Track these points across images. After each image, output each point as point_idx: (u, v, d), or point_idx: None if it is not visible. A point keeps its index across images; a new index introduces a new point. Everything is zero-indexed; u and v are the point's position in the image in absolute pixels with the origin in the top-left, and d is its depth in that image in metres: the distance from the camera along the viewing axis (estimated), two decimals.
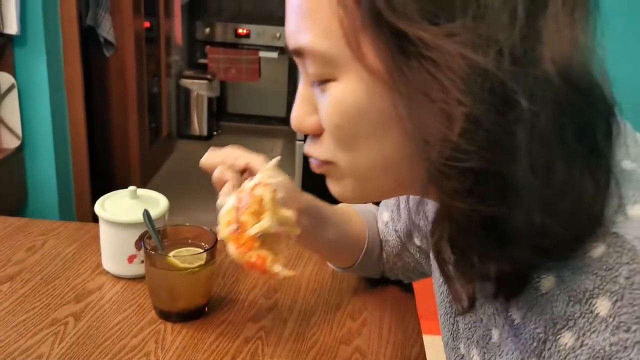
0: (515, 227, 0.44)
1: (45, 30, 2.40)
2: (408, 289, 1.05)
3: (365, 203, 0.92)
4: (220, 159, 0.80)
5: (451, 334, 0.69)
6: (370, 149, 0.51)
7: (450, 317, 0.69)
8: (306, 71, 0.52)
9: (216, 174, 0.77)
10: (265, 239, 0.66)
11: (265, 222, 0.63)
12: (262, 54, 4.48)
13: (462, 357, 0.66)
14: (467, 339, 0.63)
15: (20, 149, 2.50)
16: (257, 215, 0.62)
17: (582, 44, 0.44)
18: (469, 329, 0.63)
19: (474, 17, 0.43)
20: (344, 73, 0.49)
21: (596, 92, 0.44)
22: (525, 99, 0.42)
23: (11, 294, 0.97)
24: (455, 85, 0.43)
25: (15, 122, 2.46)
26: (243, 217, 0.62)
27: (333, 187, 0.57)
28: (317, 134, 0.55)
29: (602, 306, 0.43)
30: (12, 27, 2.31)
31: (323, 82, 0.50)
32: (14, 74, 2.42)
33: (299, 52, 0.51)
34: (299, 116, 0.55)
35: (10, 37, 2.36)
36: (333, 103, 0.50)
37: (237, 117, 4.67)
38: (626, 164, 0.49)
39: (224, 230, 0.66)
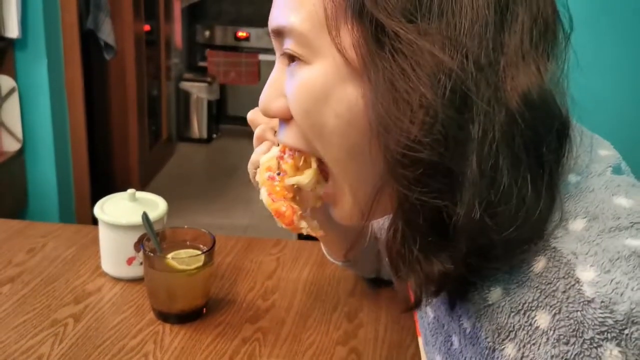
0: (456, 223, 0.47)
1: (46, 33, 2.42)
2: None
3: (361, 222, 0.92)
4: (265, 119, 0.80)
5: (424, 339, 0.70)
6: (337, 139, 0.53)
7: (421, 322, 0.71)
8: (282, 51, 0.55)
9: (258, 132, 0.77)
10: (295, 197, 0.67)
11: (305, 178, 0.63)
12: (262, 57, 4.51)
13: None
14: (432, 346, 0.65)
15: (20, 152, 2.52)
16: (298, 169, 0.63)
17: (543, 67, 0.47)
18: (433, 335, 0.65)
19: (447, 23, 0.46)
20: (319, 57, 0.51)
21: (550, 110, 0.47)
22: (482, 102, 0.45)
23: (12, 295, 0.98)
24: (420, 79, 0.46)
25: (16, 125, 2.47)
26: (285, 165, 0.63)
27: (334, 211, 0.60)
28: (285, 120, 0.57)
29: (542, 319, 0.44)
30: (13, 31, 2.32)
31: (295, 61, 0.53)
32: (14, 77, 2.43)
33: (280, 32, 0.54)
34: (267, 99, 0.57)
35: (11, 41, 2.38)
36: (303, 85, 0.52)
37: (237, 119, 4.68)
38: (571, 177, 0.51)
39: (262, 174, 0.66)
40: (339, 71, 0.51)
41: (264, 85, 0.59)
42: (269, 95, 0.57)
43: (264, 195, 0.66)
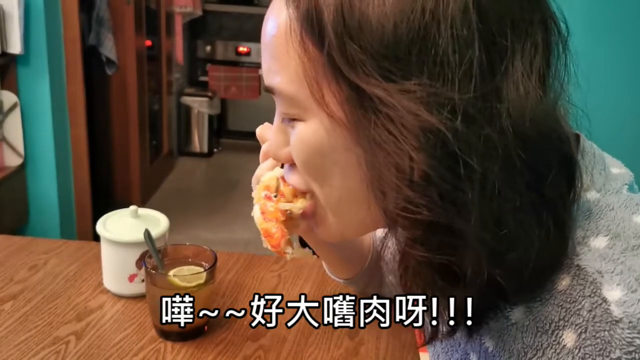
0: (464, 276, 0.46)
1: (48, 49, 2.43)
2: None
3: (349, 239, 0.93)
4: None
5: (433, 356, 0.70)
6: (337, 184, 0.53)
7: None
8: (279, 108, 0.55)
9: (265, 148, 0.78)
10: (286, 222, 0.67)
11: (298, 206, 0.64)
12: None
13: None
14: None
15: (22, 167, 2.52)
16: (295, 196, 0.64)
17: (541, 96, 0.45)
18: (446, 352, 0.64)
19: (429, 76, 0.44)
20: (310, 116, 0.51)
21: (551, 141, 0.46)
22: (475, 158, 0.43)
23: (13, 312, 0.98)
24: (407, 141, 0.44)
25: (17, 140, 2.48)
26: (284, 189, 0.64)
27: (318, 230, 0.60)
28: (293, 164, 0.57)
29: (568, 338, 0.45)
30: (15, 47, 2.34)
31: (292, 120, 0.53)
32: (17, 93, 2.45)
33: (272, 90, 0.53)
34: (275, 147, 0.58)
35: (13, 57, 2.39)
36: (299, 141, 0.53)
37: (238, 134, 4.70)
38: (591, 195, 0.51)
39: (259, 192, 0.67)
40: (330, 130, 0.50)
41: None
42: (276, 144, 0.58)
43: (256, 212, 0.67)
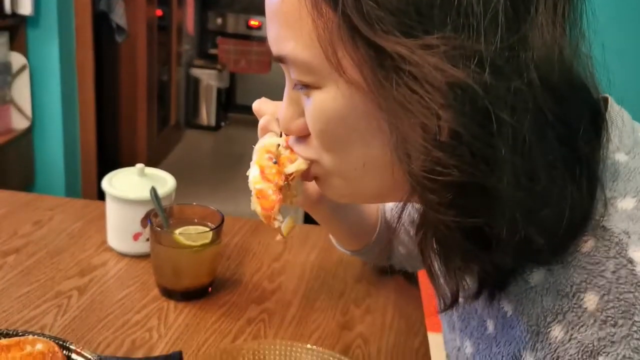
0: (498, 237, 0.44)
1: (58, 12, 2.40)
2: (412, 279, 1.05)
3: (356, 203, 0.91)
4: (270, 110, 0.79)
5: (448, 324, 0.68)
6: (354, 152, 0.51)
7: None
8: (290, 76, 0.52)
9: (262, 123, 0.76)
10: (282, 189, 0.65)
11: (298, 165, 0.63)
12: None
13: (458, 349, 0.65)
14: (461, 331, 0.63)
15: (29, 130, 2.51)
16: (291, 162, 0.62)
17: (566, 45, 0.43)
18: (463, 320, 0.63)
19: (453, 28, 0.41)
20: (326, 82, 0.48)
21: (580, 93, 0.44)
22: (506, 112, 0.41)
23: (16, 265, 0.97)
24: (434, 99, 0.42)
25: (25, 103, 2.46)
26: (283, 157, 0.62)
27: (323, 188, 0.58)
28: (304, 135, 0.55)
29: (590, 300, 0.43)
30: (25, 8, 2.31)
31: (307, 87, 0.50)
32: (26, 55, 2.42)
33: (282, 59, 0.50)
34: (287, 119, 0.55)
35: (23, 18, 2.37)
36: (316, 110, 0.50)
37: (246, 109, 4.65)
38: (619, 156, 0.49)
39: (262, 154, 0.65)
40: (348, 95, 0.48)
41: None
42: (287, 115, 0.55)
43: (254, 172, 0.65)
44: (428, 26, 0.42)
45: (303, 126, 0.54)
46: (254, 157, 0.66)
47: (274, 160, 0.63)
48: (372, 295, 0.99)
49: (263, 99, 0.75)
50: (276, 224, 0.65)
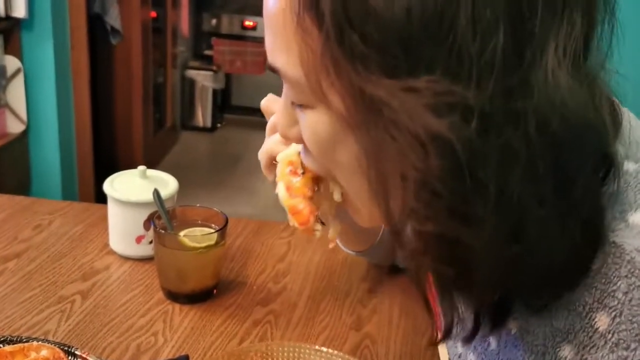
0: (477, 285, 0.43)
1: (52, 14, 2.39)
2: None
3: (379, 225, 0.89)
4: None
5: (451, 342, 0.67)
6: (353, 174, 0.48)
7: None
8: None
9: (271, 122, 0.73)
10: (313, 198, 0.63)
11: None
12: None
13: (459, 356, 0.64)
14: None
15: (24, 134, 2.49)
16: None
17: (576, 88, 0.38)
18: None
19: (443, 70, 0.37)
20: (317, 103, 0.45)
21: (585, 137, 0.39)
22: (490, 168, 0.37)
23: (17, 271, 0.95)
24: (412, 148, 0.39)
25: (20, 106, 2.44)
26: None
27: (355, 217, 0.56)
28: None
29: (601, 321, 0.41)
30: (19, 11, 2.30)
31: (300, 105, 0.48)
32: (20, 58, 2.40)
33: (275, 71, 0.47)
34: (284, 126, 0.53)
35: (17, 21, 2.35)
36: (308, 129, 0.48)
37: (241, 109, 4.65)
38: (629, 165, 0.46)
39: (283, 169, 0.63)
40: (336, 122, 0.45)
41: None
42: (284, 122, 0.53)
43: (281, 190, 0.62)
44: (415, 67, 0.38)
45: (299, 135, 0.51)
46: (277, 170, 0.64)
47: (300, 171, 0.61)
48: (378, 295, 0.98)
49: (271, 96, 0.72)
50: (317, 235, 0.63)
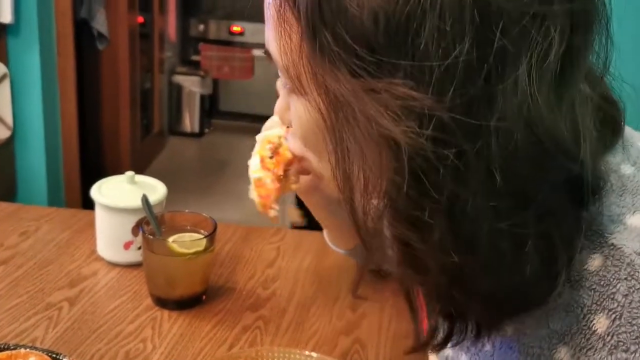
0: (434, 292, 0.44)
1: (39, 20, 2.37)
2: None
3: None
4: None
5: None
6: (324, 164, 0.49)
7: None
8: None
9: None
10: (281, 179, 0.66)
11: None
12: (256, 52, 4.46)
13: (446, 359, 0.64)
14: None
15: (10, 140, 2.47)
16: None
17: (549, 101, 0.38)
18: None
19: (405, 74, 0.37)
20: (308, 91, 0.46)
21: (553, 154, 0.38)
22: (444, 179, 0.37)
23: (4, 277, 0.94)
24: (369, 150, 0.39)
25: (6, 112, 2.42)
26: (285, 144, 0.63)
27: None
28: None
29: (600, 323, 0.41)
30: (5, 16, 2.28)
31: (290, 90, 0.49)
32: (6, 64, 2.38)
33: (269, 56, 0.49)
34: (281, 108, 0.56)
35: (3, 26, 2.33)
36: (295, 114, 0.49)
37: (229, 115, 4.64)
38: (625, 168, 0.46)
39: (263, 145, 0.66)
40: (315, 112, 0.45)
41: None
42: (281, 105, 0.55)
43: (254, 161, 0.66)
44: (378, 69, 0.38)
45: None
46: (256, 147, 0.67)
47: (275, 152, 0.64)
48: (368, 300, 0.99)
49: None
50: (272, 213, 0.66)
